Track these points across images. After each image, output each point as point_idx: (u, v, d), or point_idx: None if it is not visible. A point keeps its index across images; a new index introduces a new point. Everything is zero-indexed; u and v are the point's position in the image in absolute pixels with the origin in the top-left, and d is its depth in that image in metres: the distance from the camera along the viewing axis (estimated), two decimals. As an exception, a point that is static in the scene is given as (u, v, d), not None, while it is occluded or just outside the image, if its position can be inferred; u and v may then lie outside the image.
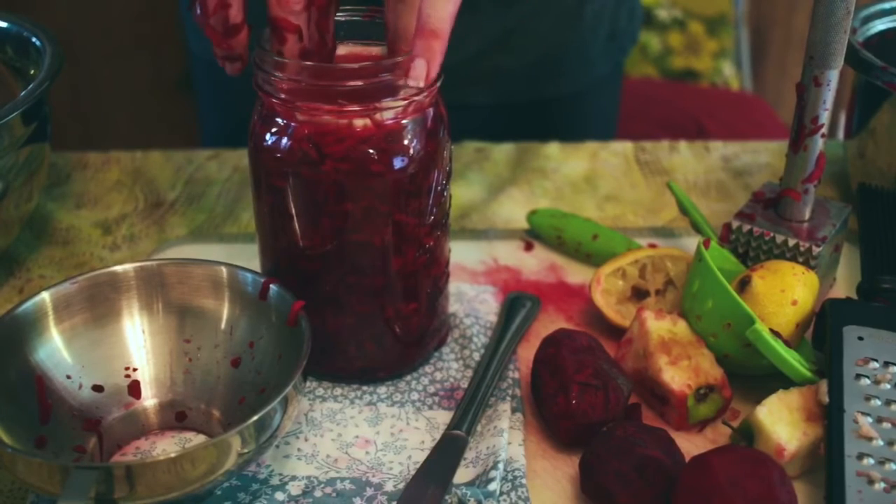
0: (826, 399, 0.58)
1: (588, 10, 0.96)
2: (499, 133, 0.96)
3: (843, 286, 0.75)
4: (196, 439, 0.62)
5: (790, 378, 0.61)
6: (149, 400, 0.63)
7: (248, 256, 0.70)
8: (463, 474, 0.59)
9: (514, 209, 0.86)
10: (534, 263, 0.79)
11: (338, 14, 0.61)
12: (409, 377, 0.67)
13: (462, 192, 0.88)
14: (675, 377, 0.62)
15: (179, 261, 0.64)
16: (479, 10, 0.90)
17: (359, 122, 0.58)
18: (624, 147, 0.95)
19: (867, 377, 0.58)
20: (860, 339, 0.60)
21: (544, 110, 1.01)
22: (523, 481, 0.58)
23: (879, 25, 0.85)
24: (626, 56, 1.07)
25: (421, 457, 0.60)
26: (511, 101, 0.98)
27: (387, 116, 0.58)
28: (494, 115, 0.99)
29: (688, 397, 0.62)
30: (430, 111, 0.61)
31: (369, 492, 0.58)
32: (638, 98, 1.58)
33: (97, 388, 0.61)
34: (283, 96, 0.58)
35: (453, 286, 0.73)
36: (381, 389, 0.66)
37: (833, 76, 0.66)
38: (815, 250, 0.68)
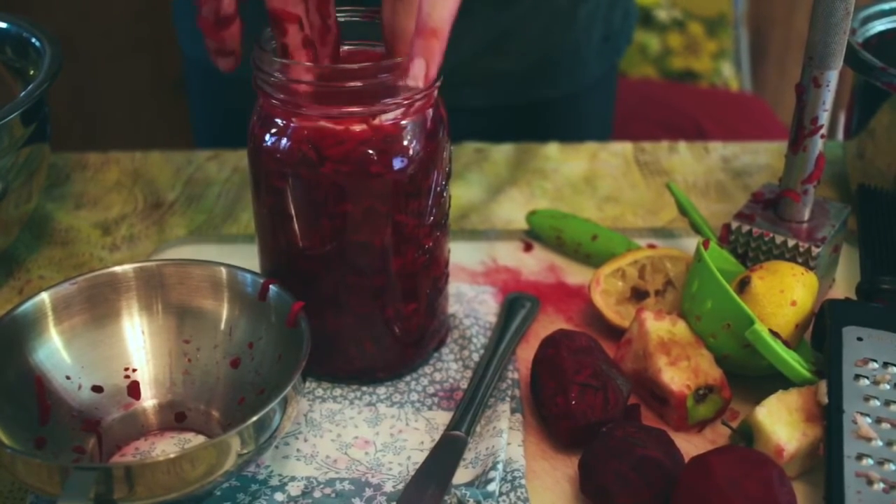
0: (825, 399, 0.58)
1: (582, 11, 0.96)
2: (493, 135, 0.96)
3: (843, 287, 0.75)
4: (195, 440, 0.62)
5: (789, 379, 0.61)
6: (148, 400, 0.63)
7: (248, 257, 0.70)
8: (462, 475, 0.59)
9: (513, 210, 0.86)
10: (533, 264, 0.79)
11: (337, 14, 0.61)
12: (408, 378, 0.67)
13: (461, 193, 0.88)
14: (675, 378, 0.62)
15: (179, 261, 0.64)
16: (474, 12, 0.90)
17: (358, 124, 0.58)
18: (623, 148, 0.95)
19: (866, 378, 0.58)
20: (859, 339, 0.60)
21: (539, 112, 1.01)
22: (523, 482, 0.58)
23: (879, 26, 0.85)
24: (620, 56, 1.07)
25: (420, 457, 0.60)
26: (506, 103, 0.98)
27: (386, 118, 0.58)
28: (489, 116, 0.98)
29: (687, 398, 0.62)
30: (430, 112, 0.61)
31: (368, 492, 0.58)
32: (637, 99, 1.59)
33: (96, 389, 0.61)
34: (281, 97, 0.58)
35: (453, 287, 0.73)
36: (381, 390, 0.66)
37: (832, 77, 0.66)
38: (815, 251, 0.68)
